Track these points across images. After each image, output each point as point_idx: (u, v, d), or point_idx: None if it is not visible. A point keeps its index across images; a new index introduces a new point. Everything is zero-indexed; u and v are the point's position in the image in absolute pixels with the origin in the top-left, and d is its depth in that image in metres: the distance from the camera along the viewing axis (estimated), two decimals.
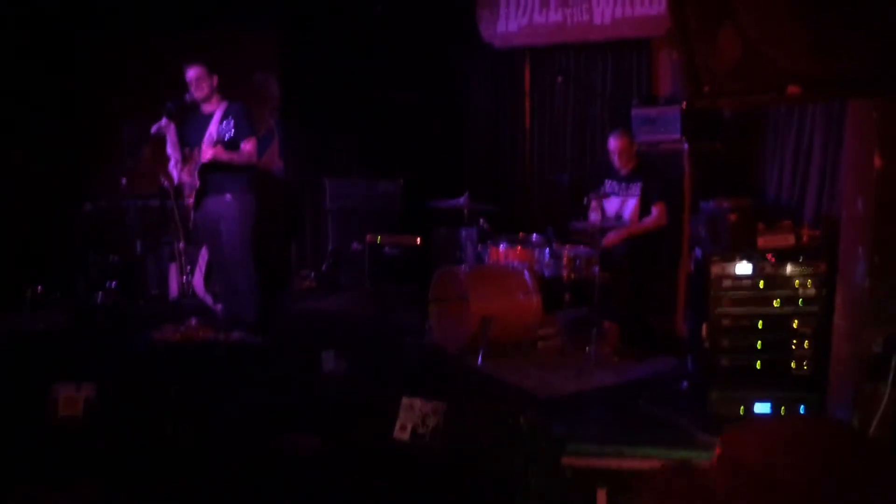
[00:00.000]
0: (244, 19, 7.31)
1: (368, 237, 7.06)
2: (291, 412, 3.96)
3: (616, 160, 5.38)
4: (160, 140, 5.29)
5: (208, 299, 6.21)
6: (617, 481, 2.67)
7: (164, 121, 5.17)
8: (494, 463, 3.04)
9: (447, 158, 7.58)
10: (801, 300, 3.64)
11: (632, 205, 5.31)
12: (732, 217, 3.95)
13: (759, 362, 3.69)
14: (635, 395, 4.11)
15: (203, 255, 6.26)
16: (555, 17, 6.68)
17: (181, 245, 5.56)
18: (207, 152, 5.06)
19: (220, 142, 5.11)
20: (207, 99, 5.21)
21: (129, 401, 3.90)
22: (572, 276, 5.11)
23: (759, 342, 3.68)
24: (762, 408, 3.67)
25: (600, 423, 3.92)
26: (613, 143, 5.35)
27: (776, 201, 4.86)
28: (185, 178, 5.26)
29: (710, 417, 3.67)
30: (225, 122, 5.14)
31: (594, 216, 5.33)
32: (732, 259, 3.68)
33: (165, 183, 5.45)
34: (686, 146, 5.32)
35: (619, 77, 6.62)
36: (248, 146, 5.16)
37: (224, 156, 5.09)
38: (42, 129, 6.91)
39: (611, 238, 5.14)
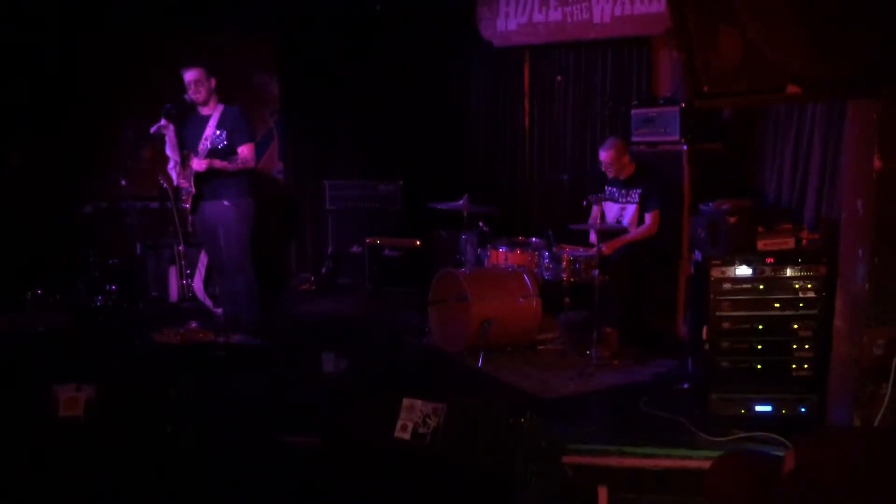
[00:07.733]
0: (244, 20, 7.29)
1: (368, 239, 7.06)
2: (292, 412, 3.96)
3: (608, 172, 5.38)
4: (160, 140, 5.25)
5: (208, 302, 6.21)
6: (618, 479, 2.67)
7: (162, 121, 5.11)
8: (495, 463, 3.03)
9: (447, 159, 7.58)
10: (801, 303, 3.64)
11: (631, 210, 5.30)
12: (732, 219, 3.93)
13: (759, 364, 3.69)
14: (636, 396, 4.11)
15: (203, 258, 6.26)
16: (554, 15, 6.65)
17: (180, 248, 5.54)
18: (199, 164, 5.04)
19: (213, 149, 5.06)
20: (206, 102, 5.17)
21: (130, 402, 3.88)
22: (572, 279, 5.10)
23: (760, 344, 3.69)
24: (762, 409, 3.68)
25: (601, 424, 3.92)
26: (602, 155, 5.34)
27: (776, 202, 4.85)
28: (183, 182, 5.22)
29: (710, 418, 3.68)
30: (220, 130, 5.08)
31: (593, 219, 5.33)
32: (732, 262, 3.68)
33: (164, 184, 5.43)
34: (685, 147, 5.32)
35: (618, 76, 6.60)
36: (244, 151, 5.11)
37: (217, 165, 5.05)
38: (42, 129, 6.90)
39: (607, 246, 5.13)
